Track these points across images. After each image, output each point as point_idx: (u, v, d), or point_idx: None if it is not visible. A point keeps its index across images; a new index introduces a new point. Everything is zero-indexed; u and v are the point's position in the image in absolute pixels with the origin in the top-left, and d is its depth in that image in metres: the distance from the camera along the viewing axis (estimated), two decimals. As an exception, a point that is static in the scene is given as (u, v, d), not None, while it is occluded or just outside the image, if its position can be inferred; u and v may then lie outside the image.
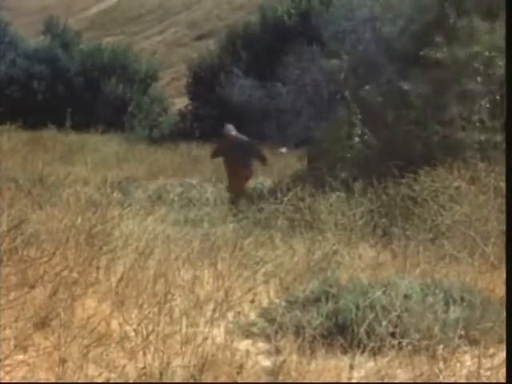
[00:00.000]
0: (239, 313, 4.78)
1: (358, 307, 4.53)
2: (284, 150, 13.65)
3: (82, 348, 3.80)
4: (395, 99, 11.13)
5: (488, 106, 10.31)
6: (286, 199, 8.27)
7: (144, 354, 3.90)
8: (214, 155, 13.23)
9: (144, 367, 3.78)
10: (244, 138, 12.73)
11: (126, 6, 45.67)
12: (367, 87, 11.57)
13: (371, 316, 4.34)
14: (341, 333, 4.46)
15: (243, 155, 12.27)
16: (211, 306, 4.71)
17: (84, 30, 36.51)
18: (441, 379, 3.95)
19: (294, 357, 4.08)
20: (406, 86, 10.93)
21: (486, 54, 10.44)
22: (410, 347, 4.16)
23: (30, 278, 4.34)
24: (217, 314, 4.59)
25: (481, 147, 10.08)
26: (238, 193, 11.69)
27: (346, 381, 3.92)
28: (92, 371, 3.74)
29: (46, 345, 3.89)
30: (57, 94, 26.54)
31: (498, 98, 10.12)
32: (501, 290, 4.96)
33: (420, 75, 10.93)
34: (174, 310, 4.46)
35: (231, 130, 12.71)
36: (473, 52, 10.61)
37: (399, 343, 4.18)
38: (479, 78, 10.46)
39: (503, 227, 5.90)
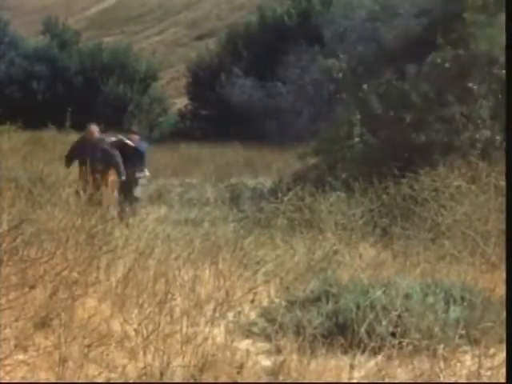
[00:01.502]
0: (239, 312, 4.77)
1: (358, 307, 4.52)
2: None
3: (82, 348, 3.79)
4: (395, 99, 11.13)
5: (490, 104, 10.32)
6: (286, 199, 8.27)
7: (144, 353, 3.90)
8: (70, 158, 10.79)
9: (144, 367, 3.78)
10: (109, 141, 11.08)
11: (126, 6, 45.71)
12: (365, 86, 11.57)
13: (372, 316, 4.33)
14: (341, 332, 4.46)
15: (101, 163, 10.25)
16: (212, 305, 4.71)
17: (84, 29, 36.56)
18: (441, 379, 3.94)
19: (295, 356, 4.07)
20: (406, 86, 10.94)
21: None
22: (410, 347, 4.16)
23: (31, 278, 4.33)
24: (217, 314, 4.59)
25: (482, 145, 10.10)
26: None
27: (346, 381, 3.91)
28: (92, 371, 3.74)
29: (46, 344, 3.89)
30: (56, 93, 26.53)
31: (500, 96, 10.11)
32: (501, 290, 4.96)
33: (420, 74, 10.94)
34: (174, 310, 4.45)
35: (94, 131, 10.96)
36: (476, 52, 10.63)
37: (400, 343, 4.17)
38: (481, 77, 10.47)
39: (503, 227, 5.89)
